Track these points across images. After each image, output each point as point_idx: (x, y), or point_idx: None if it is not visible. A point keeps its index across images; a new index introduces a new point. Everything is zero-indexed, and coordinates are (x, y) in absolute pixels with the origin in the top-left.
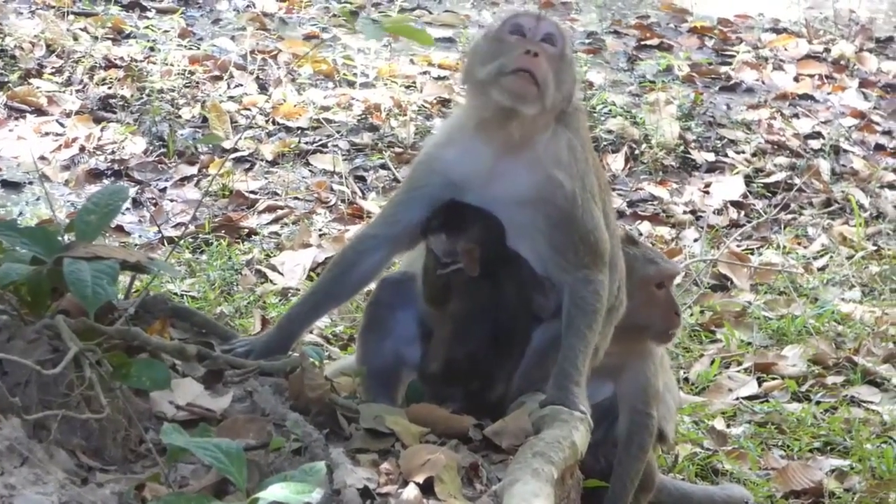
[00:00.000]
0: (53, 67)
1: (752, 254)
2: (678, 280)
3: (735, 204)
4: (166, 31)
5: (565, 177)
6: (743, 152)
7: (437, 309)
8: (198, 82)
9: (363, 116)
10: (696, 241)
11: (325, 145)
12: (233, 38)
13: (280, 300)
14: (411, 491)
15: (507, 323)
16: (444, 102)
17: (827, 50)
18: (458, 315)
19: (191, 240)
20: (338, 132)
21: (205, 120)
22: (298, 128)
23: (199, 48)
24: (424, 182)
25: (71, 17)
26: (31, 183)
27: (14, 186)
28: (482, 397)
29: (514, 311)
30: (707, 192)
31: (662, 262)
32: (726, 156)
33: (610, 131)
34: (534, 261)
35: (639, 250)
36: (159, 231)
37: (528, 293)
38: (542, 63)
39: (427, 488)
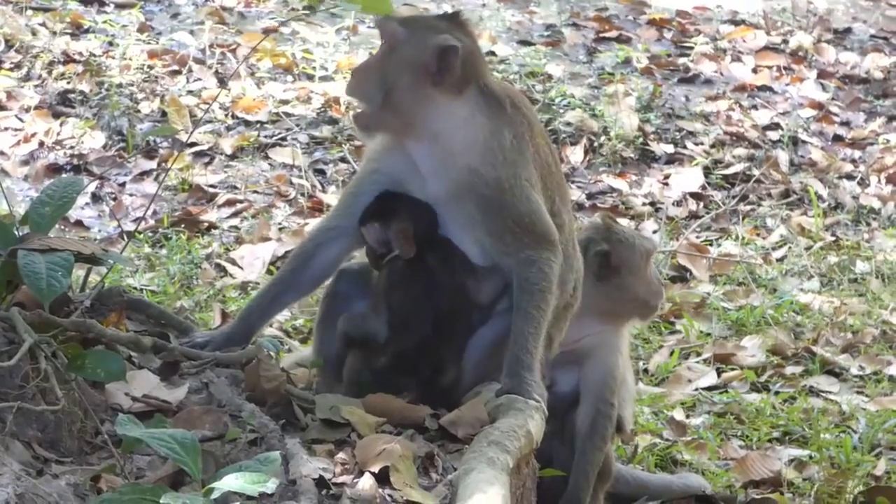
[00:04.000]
0: (12, 62)
1: (711, 245)
2: None
3: (694, 195)
4: (125, 26)
5: (485, 166)
6: (702, 144)
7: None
8: (157, 77)
9: (322, 110)
10: (655, 232)
11: (284, 139)
12: (191, 32)
13: (240, 294)
14: (367, 480)
15: (446, 308)
16: None
17: (785, 41)
18: (398, 308)
19: (150, 234)
20: (297, 125)
21: (164, 114)
22: (258, 121)
23: (157, 43)
24: (375, 177)
25: (29, 12)
26: None
27: None
28: (435, 383)
29: (450, 295)
30: (666, 184)
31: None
32: (685, 147)
33: (569, 123)
34: (477, 252)
35: (627, 229)
36: (119, 225)
37: (461, 278)
38: None
39: (382, 478)
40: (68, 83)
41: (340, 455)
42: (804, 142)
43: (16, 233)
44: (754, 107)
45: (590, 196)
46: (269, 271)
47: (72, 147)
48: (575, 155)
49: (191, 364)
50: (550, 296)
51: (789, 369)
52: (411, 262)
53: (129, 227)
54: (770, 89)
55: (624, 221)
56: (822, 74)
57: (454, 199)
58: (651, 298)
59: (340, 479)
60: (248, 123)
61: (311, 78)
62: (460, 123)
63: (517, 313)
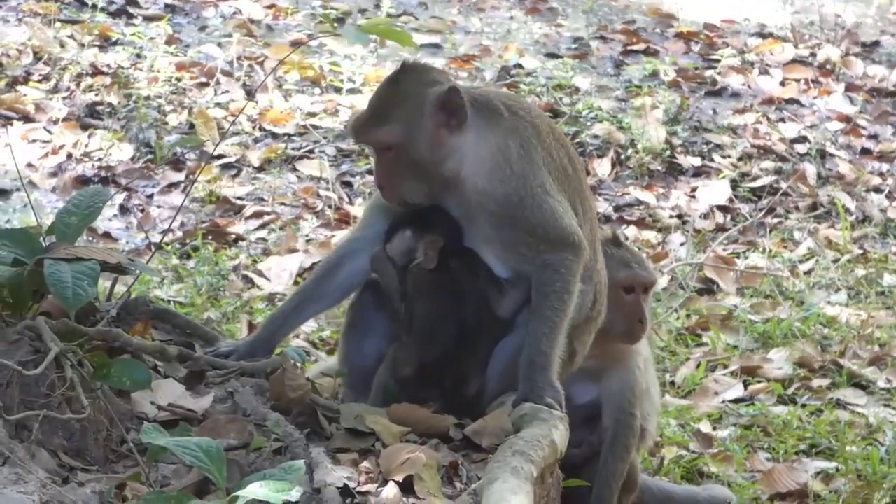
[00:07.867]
0: (40, 75)
1: (738, 257)
2: (660, 287)
3: (721, 208)
4: (153, 38)
5: (493, 183)
6: (729, 157)
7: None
8: (185, 89)
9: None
10: (682, 245)
11: (311, 151)
12: (219, 44)
13: (267, 305)
14: (391, 489)
15: (470, 319)
16: None
17: (813, 54)
18: (423, 318)
19: (178, 246)
20: (324, 138)
21: (192, 126)
22: (285, 134)
23: (185, 55)
24: None
25: (58, 24)
26: (18, 190)
27: (2, 193)
28: (459, 393)
29: (475, 305)
30: (693, 197)
31: (637, 267)
32: (712, 160)
33: (596, 136)
34: (498, 264)
35: (618, 252)
36: (146, 237)
37: (485, 288)
38: None
39: (407, 487)
40: (96, 95)
41: (365, 464)
42: (832, 155)
43: (42, 242)
44: (782, 120)
45: (617, 209)
46: (296, 283)
47: (100, 159)
48: (602, 167)
49: (216, 373)
50: (567, 295)
51: (816, 382)
52: (435, 271)
53: (157, 238)
54: (798, 102)
55: (651, 234)
56: (850, 87)
57: (467, 219)
58: (615, 329)
59: (365, 488)
60: (275, 136)
61: (338, 90)
62: (469, 150)
63: (532, 315)
